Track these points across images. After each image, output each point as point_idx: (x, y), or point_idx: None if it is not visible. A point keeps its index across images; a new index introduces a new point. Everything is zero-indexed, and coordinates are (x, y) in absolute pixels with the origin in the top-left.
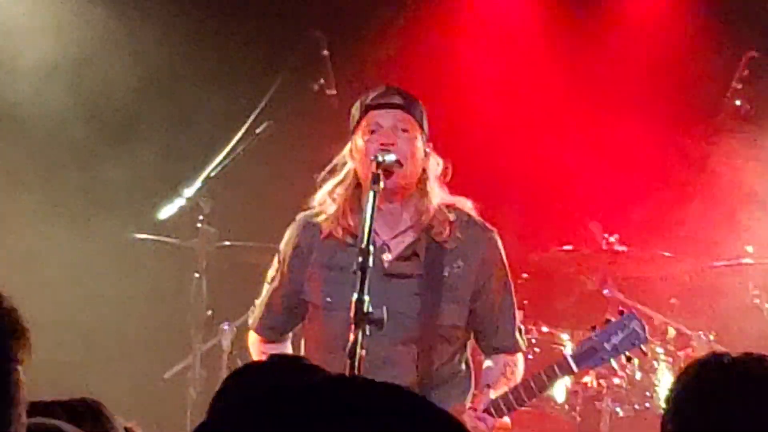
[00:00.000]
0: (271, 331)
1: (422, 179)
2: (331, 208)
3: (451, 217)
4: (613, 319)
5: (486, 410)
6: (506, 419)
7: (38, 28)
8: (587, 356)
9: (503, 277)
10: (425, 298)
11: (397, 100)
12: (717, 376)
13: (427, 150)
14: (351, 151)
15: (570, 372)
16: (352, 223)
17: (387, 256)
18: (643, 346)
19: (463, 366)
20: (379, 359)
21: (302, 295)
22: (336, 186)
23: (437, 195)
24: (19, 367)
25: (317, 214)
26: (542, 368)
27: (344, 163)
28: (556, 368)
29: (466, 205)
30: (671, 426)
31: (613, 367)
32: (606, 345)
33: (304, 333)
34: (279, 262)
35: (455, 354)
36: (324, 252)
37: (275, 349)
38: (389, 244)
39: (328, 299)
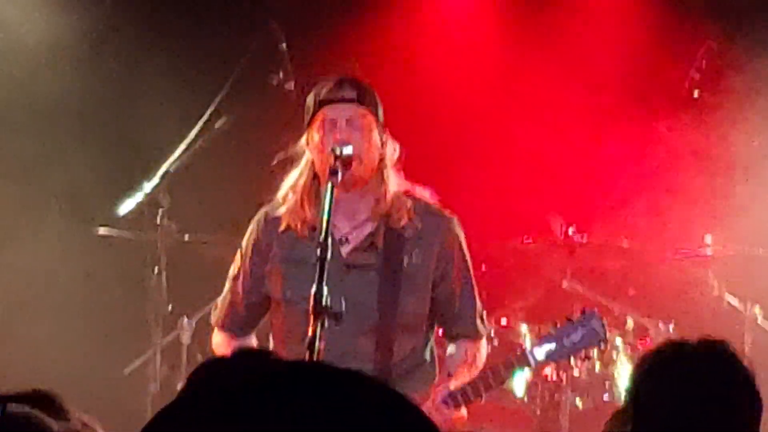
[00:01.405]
0: (235, 328)
1: (379, 167)
2: (291, 202)
3: (409, 204)
4: (574, 317)
5: (444, 401)
6: (463, 411)
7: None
8: (546, 351)
9: (463, 264)
10: (384, 289)
11: (350, 93)
12: (674, 362)
13: (383, 137)
14: (307, 143)
15: (528, 366)
16: (309, 216)
17: (345, 248)
18: (602, 344)
19: (427, 356)
20: (338, 352)
21: (263, 289)
22: (297, 179)
23: (394, 182)
24: None
25: (278, 207)
26: (500, 361)
27: (302, 154)
28: (514, 361)
29: (424, 193)
30: (632, 412)
31: (577, 363)
32: (565, 341)
33: (270, 327)
34: (240, 258)
35: (418, 344)
36: (283, 246)
37: (242, 344)
38: (348, 236)
39: (288, 293)
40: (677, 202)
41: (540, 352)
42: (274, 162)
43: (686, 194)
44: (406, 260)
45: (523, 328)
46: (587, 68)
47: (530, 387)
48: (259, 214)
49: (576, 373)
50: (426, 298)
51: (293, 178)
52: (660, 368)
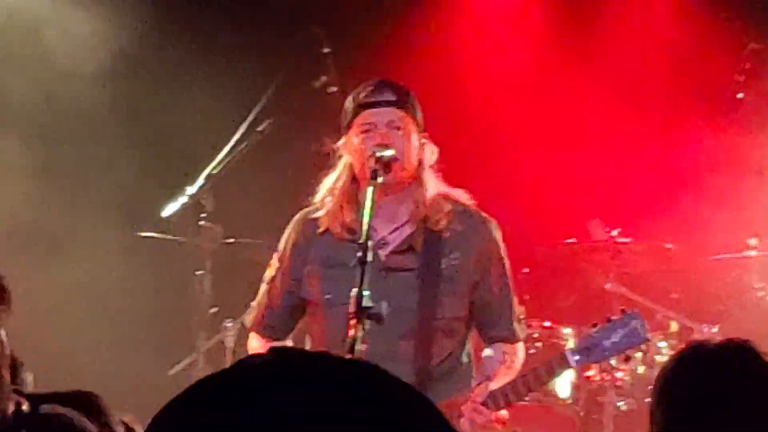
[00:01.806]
0: (272, 331)
1: (418, 170)
2: (330, 204)
3: (448, 207)
4: (614, 318)
5: (484, 403)
6: (503, 412)
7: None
8: (586, 352)
9: (501, 267)
10: (423, 292)
11: (389, 96)
12: (698, 365)
13: (422, 140)
14: (346, 146)
15: (568, 367)
16: (348, 219)
17: (384, 251)
18: (642, 346)
19: (465, 358)
20: (379, 355)
21: (301, 292)
22: (335, 182)
23: (433, 185)
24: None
25: (316, 210)
26: (541, 363)
27: (340, 156)
28: (554, 363)
29: (463, 195)
30: (658, 415)
31: (618, 364)
32: (605, 342)
33: (308, 330)
34: (278, 260)
35: (456, 347)
36: (322, 248)
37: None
38: (387, 239)
39: (328, 296)
40: (721, 205)
41: (580, 355)
42: (316, 150)
43: (730, 196)
44: (444, 263)
45: (567, 330)
46: (629, 71)
47: (574, 388)
48: (297, 217)
49: (619, 374)
50: (465, 300)
51: (330, 182)
52: (683, 370)
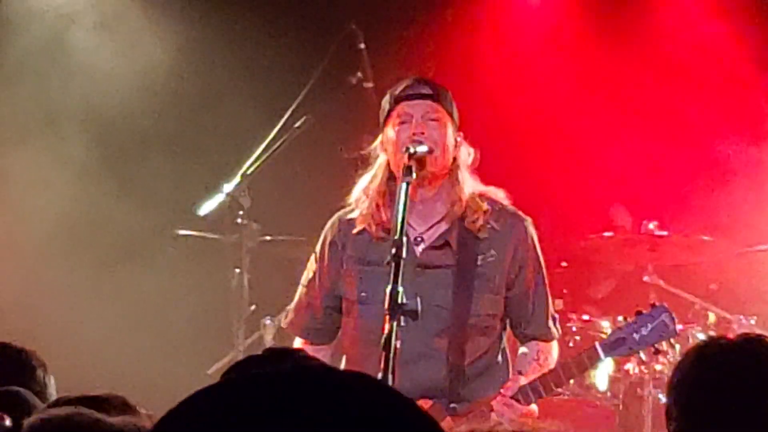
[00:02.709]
0: (316, 334)
1: (453, 168)
2: (365, 204)
3: (484, 206)
4: (644, 311)
5: (514, 397)
6: (534, 407)
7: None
8: (615, 346)
9: (537, 266)
10: (458, 289)
11: (426, 90)
12: (714, 360)
13: (458, 139)
14: (382, 143)
15: (598, 360)
16: (385, 218)
17: (420, 248)
18: (672, 339)
19: (500, 358)
20: (413, 353)
21: (338, 291)
22: (370, 181)
23: (469, 184)
24: None
25: (351, 211)
26: (571, 357)
27: (376, 157)
28: (584, 358)
29: (499, 194)
30: (675, 411)
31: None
32: (635, 336)
33: (342, 330)
34: (315, 262)
35: (491, 346)
36: (358, 247)
37: (317, 352)
38: (422, 236)
39: (363, 294)
40: (757, 196)
41: (609, 349)
42: (346, 155)
43: (766, 188)
44: (480, 260)
45: (605, 323)
46: (664, 63)
47: (612, 382)
48: (333, 218)
49: (659, 367)
50: (500, 298)
51: (366, 181)
52: (699, 365)
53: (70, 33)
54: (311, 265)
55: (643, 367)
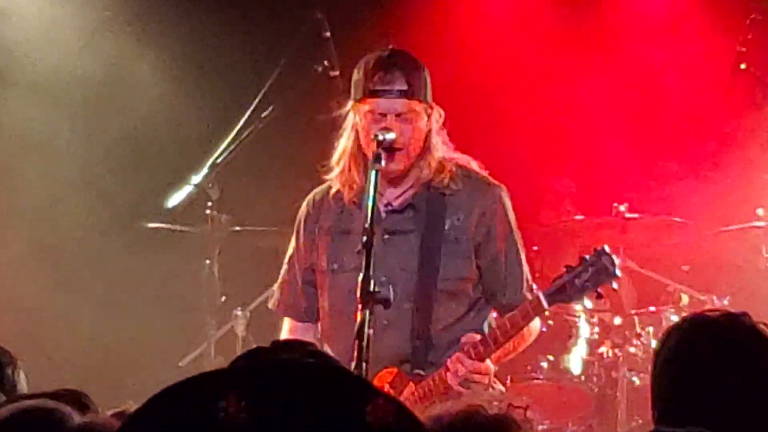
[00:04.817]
0: (299, 312)
1: (426, 139)
2: (341, 166)
3: (453, 167)
4: (586, 257)
5: (464, 352)
6: (489, 364)
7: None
8: (558, 293)
9: (508, 229)
10: (425, 253)
11: (401, 85)
12: (697, 337)
13: (429, 111)
14: (353, 115)
15: (542, 310)
16: (357, 180)
17: (387, 213)
18: (614, 282)
19: (485, 328)
20: (380, 320)
21: (314, 265)
22: (346, 142)
23: (440, 149)
24: None
25: (329, 187)
26: (518, 309)
27: (346, 116)
28: (528, 307)
29: (470, 161)
30: (659, 387)
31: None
32: (576, 282)
33: (319, 303)
34: (294, 239)
35: (467, 313)
36: (329, 217)
37: (304, 330)
38: (392, 202)
39: (334, 264)
40: (728, 176)
41: (552, 296)
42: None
43: (736, 168)
44: (447, 223)
45: (578, 306)
46: (636, 49)
47: (587, 365)
48: (310, 195)
49: (632, 350)
50: (469, 262)
51: (342, 141)
52: (682, 342)
53: (16, 30)
54: (292, 242)
55: (617, 350)
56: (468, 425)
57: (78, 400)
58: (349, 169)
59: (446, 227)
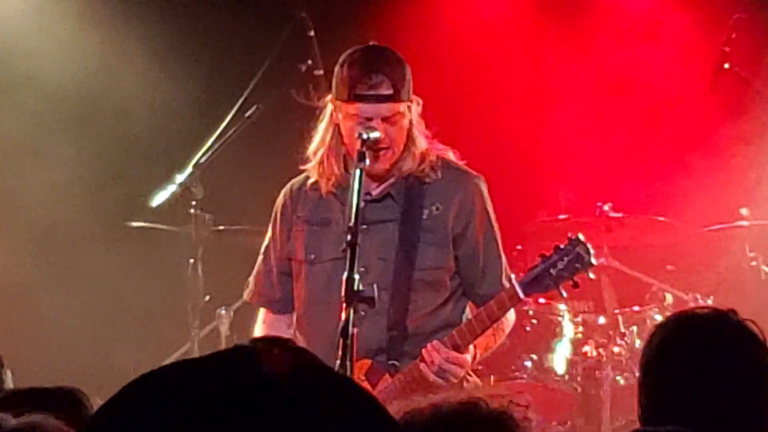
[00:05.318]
0: (271, 302)
1: (408, 131)
2: (318, 156)
3: (432, 157)
4: (561, 246)
5: (441, 342)
6: (467, 356)
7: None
8: (534, 283)
9: (486, 223)
10: (402, 242)
11: (386, 89)
12: (684, 334)
13: (410, 105)
14: (333, 109)
15: (518, 300)
16: (336, 172)
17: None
18: (589, 271)
19: (463, 319)
20: (358, 312)
21: (290, 255)
22: (323, 133)
23: (422, 143)
24: None
25: (307, 177)
26: (493, 300)
27: (324, 107)
28: (504, 297)
29: (449, 154)
30: (647, 385)
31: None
32: (552, 271)
33: (294, 295)
34: (270, 229)
35: (445, 303)
36: (307, 207)
37: (279, 321)
38: (372, 192)
39: (311, 255)
40: (711, 176)
41: (528, 286)
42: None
43: (720, 167)
44: (426, 213)
45: (561, 306)
46: (620, 50)
47: (570, 365)
48: (287, 185)
49: (616, 349)
50: (447, 252)
51: (321, 132)
52: (669, 340)
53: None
54: (268, 234)
55: (601, 350)
56: (467, 417)
57: (73, 396)
58: (328, 161)
59: (424, 216)
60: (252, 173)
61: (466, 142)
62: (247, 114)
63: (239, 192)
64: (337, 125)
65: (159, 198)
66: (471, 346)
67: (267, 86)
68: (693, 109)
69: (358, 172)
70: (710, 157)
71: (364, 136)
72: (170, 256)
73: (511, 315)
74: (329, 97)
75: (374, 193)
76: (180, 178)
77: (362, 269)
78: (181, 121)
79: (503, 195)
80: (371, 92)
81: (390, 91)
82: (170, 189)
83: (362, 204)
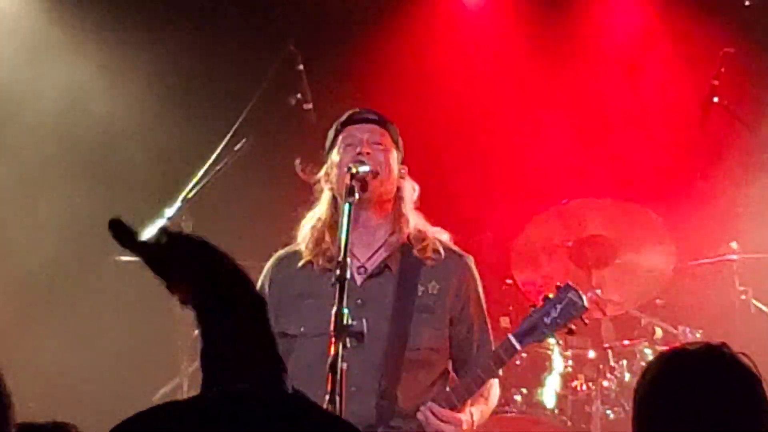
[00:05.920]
0: None
1: (397, 199)
2: (311, 238)
3: (429, 237)
4: (550, 295)
5: (438, 403)
6: (463, 416)
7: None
8: (528, 334)
9: (479, 304)
10: (396, 320)
11: (372, 116)
12: (674, 370)
13: (403, 171)
14: (327, 174)
15: (514, 352)
16: (331, 247)
17: (361, 278)
18: (583, 316)
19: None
20: (350, 388)
21: (277, 328)
22: (316, 219)
23: (413, 219)
24: None
25: (296, 248)
26: (488, 356)
27: (321, 191)
28: (500, 352)
29: (442, 234)
30: (640, 423)
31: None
32: (545, 320)
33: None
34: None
35: (435, 383)
36: (300, 282)
37: None
38: (365, 265)
39: (302, 328)
40: (700, 210)
41: (523, 337)
42: (302, 175)
43: (709, 201)
44: (421, 290)
45: (552, 339)
46: (608, 80)
47: (560, 399)
48: (273, 257)
49: (606, 383)
50: (441, 333)
51: (312, 218)
52: (662, 377)
53: None
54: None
55: (591, 384)
56: None
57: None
58: (323, 237)
59: (419, 293)
60: (241, 207)
61: (456, 167)
62: (236, 147)
63: (228, 226)
64: (333, 203)
65: (148, 233)
66: (467, 409)
67: (256, 120)
68: (682, 143)
69: (347, 206)
70: (699, 191)
71: (353, 169)
72: (160, 290)
73: (496, 390)
74: (322, 173)
75: (368, 265)
76: (169, 212)
77: (364, 330)
78: (170, 156)
79: (492, 228)
80: (356, 116)
81: (375, 117)
82: (160, 223)
83: (358, 280)
